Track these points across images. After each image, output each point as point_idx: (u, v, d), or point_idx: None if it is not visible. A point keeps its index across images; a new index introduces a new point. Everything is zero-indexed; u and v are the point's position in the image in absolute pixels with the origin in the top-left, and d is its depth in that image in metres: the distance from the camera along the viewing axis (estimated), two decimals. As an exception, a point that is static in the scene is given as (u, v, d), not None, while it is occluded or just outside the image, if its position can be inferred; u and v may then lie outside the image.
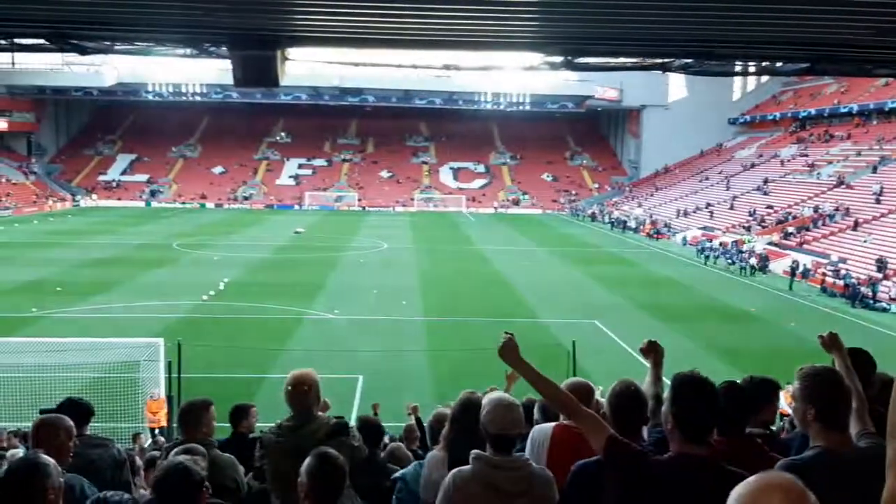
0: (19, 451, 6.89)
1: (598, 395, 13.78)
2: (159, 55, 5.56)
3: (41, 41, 5.34)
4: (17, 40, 5.58)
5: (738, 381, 4.13)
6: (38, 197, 74.33)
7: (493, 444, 3.48)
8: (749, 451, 3.54)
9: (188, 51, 5.35)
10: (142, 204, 77.80)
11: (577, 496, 3.44)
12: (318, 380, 4.47)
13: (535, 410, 5.13)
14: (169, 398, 15.79)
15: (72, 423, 4.22)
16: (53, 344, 19.17)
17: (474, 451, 3.50)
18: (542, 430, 4.25)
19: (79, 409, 4.92)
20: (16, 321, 24.98)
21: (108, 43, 5.24)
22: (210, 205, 78.52)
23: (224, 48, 4.86)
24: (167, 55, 5.56)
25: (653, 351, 4.67)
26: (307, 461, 3.34)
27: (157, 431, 15.32)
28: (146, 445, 12.54)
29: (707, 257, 45.06)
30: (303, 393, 4.34)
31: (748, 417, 3.89)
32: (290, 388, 4.38)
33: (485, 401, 3.60)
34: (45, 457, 3.16)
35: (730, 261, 43.18)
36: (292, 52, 5.07)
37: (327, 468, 3.28)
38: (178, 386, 15.77)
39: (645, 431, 4.08)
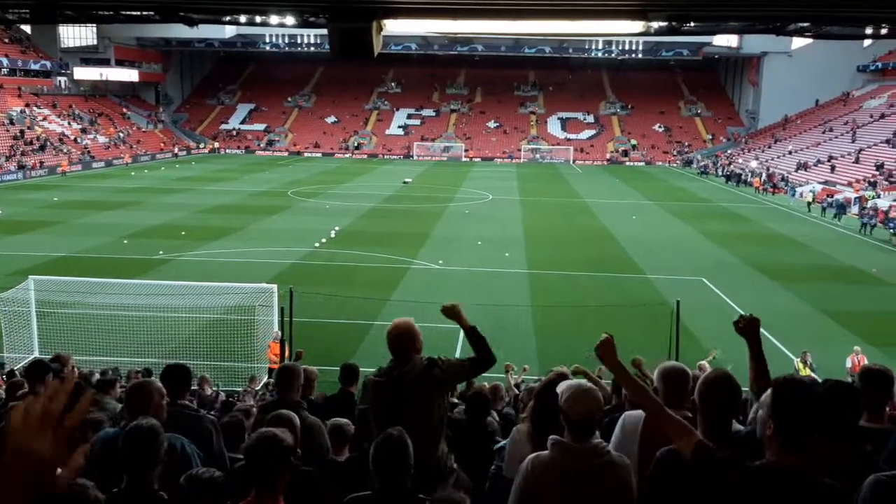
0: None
1: (709, 359, 13.47)
2: (263, 26, 5.84)
3: (149, 13, 5.68)
4: (124, 12, 5.93)
5: (848, 381, 3.81)
6: (164, 144, 78.49)
7: (572, 430, 3.43)
8: (852, 454, 3.33)
9: (290, 21, 5.60)
10: (261, 152, 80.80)
11: (663, 483, 3.37)
12: (417, 329, 4.68)
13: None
14: (281, 342, 16.64)
15: (160, 384, 4.50)
16: (177, 287, 20.59)
17: (552, 437, 3.49)
18: (634, 417, 4.12)
19: (176, 377, 5.12)
20: (145, 263, 26.89)
21: (214, 15, 5.53)
22: (317, 154, 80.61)
23: (322, 19, 5.07)
24: (270, 25, 5.82)
25: (751, 331, 3.92)
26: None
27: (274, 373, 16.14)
28: (258, 388, 13.40)
29: (840, 217, 41.25)
30: (399, 339, 4.60)
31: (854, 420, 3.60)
32: (389, 334, 4.65)
33: (562, 387, 3.58)
34: (158, 423, 3.48)
35: (870, 223, 38.52)
36: (388, 23, 5.23)
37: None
38: (289, 330, 16.58)
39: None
